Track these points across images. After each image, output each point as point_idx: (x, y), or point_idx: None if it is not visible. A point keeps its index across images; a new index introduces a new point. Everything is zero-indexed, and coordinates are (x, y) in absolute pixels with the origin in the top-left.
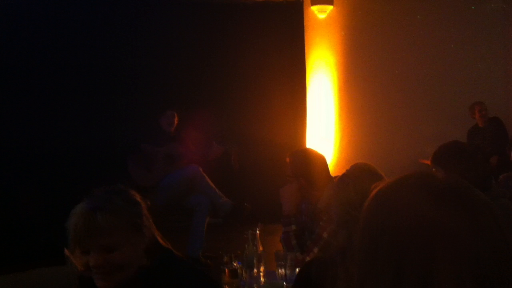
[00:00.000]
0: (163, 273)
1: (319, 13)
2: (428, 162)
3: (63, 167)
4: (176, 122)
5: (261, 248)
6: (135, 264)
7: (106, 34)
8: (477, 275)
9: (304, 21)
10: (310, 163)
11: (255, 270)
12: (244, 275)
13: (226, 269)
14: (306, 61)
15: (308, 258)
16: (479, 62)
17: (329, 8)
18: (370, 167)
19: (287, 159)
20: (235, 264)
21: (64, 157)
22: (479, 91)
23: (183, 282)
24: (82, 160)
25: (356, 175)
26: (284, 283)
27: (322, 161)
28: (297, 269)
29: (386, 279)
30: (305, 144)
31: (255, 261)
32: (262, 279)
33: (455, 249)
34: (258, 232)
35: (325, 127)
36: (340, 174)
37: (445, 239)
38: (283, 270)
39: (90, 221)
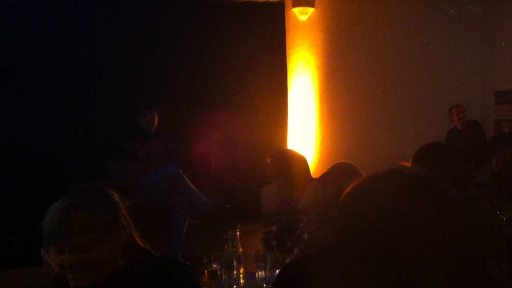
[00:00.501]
0: (140, 274)
1: (300, 15)
2: (407, 163)
3: (40, 166)
4: (156, 122)
5: (240, 249)
6: (111, 264)
7: (88, 34)
8: (441, 264)
9: (286, 23)
10: (291, 164)
11: (235, 271)
12: (223, 277)
13: (205, 270)
14: (287, 63)
15: (288, 259)
16: (457, 64)
17: (310, 10)
18: (351, 166)
19: (268, 160)
20: (214, 265)
21: (41, 156)
22: (457, 94)
23: (160, 282)
24: (60, 159)
25: (335, 175)
26: (264, 285)
27: (303, 162)
28: (277, 271)
29: (354, 267)
30: (286, 145)
31: (234, 262)
32: (241, 280)
33: (419, 238)
34: (238, 233)
35: (306, 128)
36: (320, 175)
37: (410, 228)
38: (263, 271)
39: (65, 219)
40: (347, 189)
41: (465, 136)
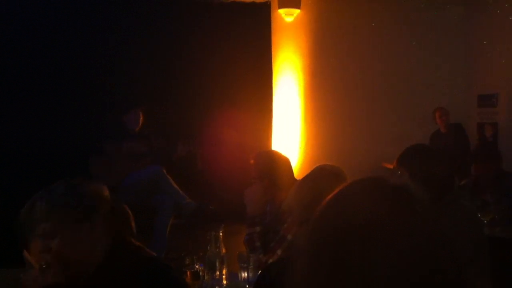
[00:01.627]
0: (125, 271)
1: (286, 16)
2: (390, 166)
3: (22, 165)
4: (140, 121)
5: (224, 250)
6: (87, 258)
7: (73, 33)
8: (403, 269)
9: (272, 24)
10: (275, 164)
11: (217, 272)
12: (206, 277)
13: (188, 271)
14: (272, 63)
15: (271, 260)
16: (441, 67)
17: (296, 11)
18: (334, 168)
19: (252, 161)
20: (197, 266)
21: (23, 155)
22: (441, 96)
23: (147, 280)
24: (42, 158)
25: (316, 176)
26: (247, 285)
27: (287, 162)
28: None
29: (324, 269)
30: (271, 146)
31: (217, 263)
32: (224, 281)
33: (388, 248)
34: (221, 233)
35: (290, 129)
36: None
37: (380, 237)
38: (246, 272)
39: (30, 211)
40: (328, 197)
41: (449, 139)
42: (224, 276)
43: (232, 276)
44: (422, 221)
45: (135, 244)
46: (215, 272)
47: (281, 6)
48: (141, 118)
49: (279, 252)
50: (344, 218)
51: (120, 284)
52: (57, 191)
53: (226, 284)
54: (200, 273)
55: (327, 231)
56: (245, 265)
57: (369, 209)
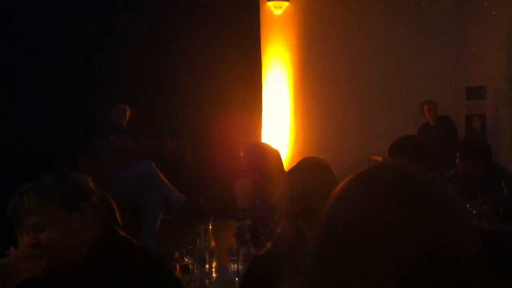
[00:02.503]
0: (113, 260)
1: (275, 9)
2: (379, 158)
3: (7, 161)
4: (128, 115)
5: (213, 243)
6: (77, 249)
7: (55, 28)
8: (400, 273)
9: (260, 17)
10: (265, 157)
11: (207, 265)
12: (195, 271)
13: (177, 265)
14: (262, 57)
15: (261, 253)
16: (429, 60)
17: (285, 4)
18: (319, 160)
19: (241, 153)
20: (186, 260)
21: (9, 152)
22: (429, 89)
23: (136, 269)
24: (29, 154)
25: (301, 167)
26: (236, 278)
27: (277, 155)
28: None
29: (325, 264)
30: (260, 139)
31: (207, 256)
32: (214, 274)
33: (386, 241)
34: (210, 227)
35: (280, 123)
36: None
37: (381, 228)
38: (236, 265)
39: (18, 202)
40: (340, 186)
41: (437, 131)
42: (213, 269)
43: (221, 269)
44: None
45: (122, 234)
46: (205, 266)
47: None
48: (128, 111)
49: (268, 245)
50: (361, 214)
51: (107, 273)
52: (46, 182)
53: (216, 277)
54: (190, 267)
55: (338, 222)
56: (235, 258)
57: (389, 206)
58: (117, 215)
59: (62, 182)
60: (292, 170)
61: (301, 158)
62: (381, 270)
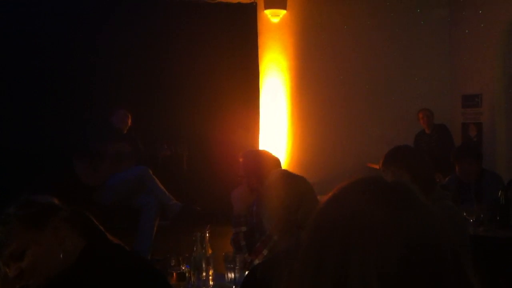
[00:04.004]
0: (101, 268)
1: (272, 17)
2: (376, 166)
3: (6, 164)
4: (129, 122)
5: (210, 251)
6: (56, 263)
7: (53, 32)
8: (382, 274)
9: (258, 24)
10: (263, 164)
11: (204, 273)
12: (192, 278)
13: (174, 272)
14: (259, 64)
15: (257, 260)
16: (425, 67)
17: (282, 12)
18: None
19: (240, 159)
20: (183, 267)
21: (8, 155)
22: (425, 97)
23: (125, 274)
24: (28, 157)
25: (295, 179)
26: (233, 286)
27: (276, 163)
28: (246, 272)
29: (309, 270)
30: (258, 146)
31: (203, 264)
32: (210, 282)
33: (367, 243)
34: (207, 234)
35: (277, 129)
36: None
37: (360, 233)
38: (232, 273)
39: None
40: (327, 196)
41: (433, 140)
42: (210, 277)
43: (218, 277)
44: (421, 222)
45: (112, 242)
46: (201, 273)
47: (267, 7)
48: (129, 118)
49: (264, 252)
50: (342, 218)
51: (97, 281)
52: (9, 212)
53: (213, 285)
54: (186, 274)
55: (326, 231)
56: (231, 265)
57: (367, 209)
58: (98, 225)
59: (24, 206)
60: (285, 181)
61: (297, 164)
62: (363, 270)
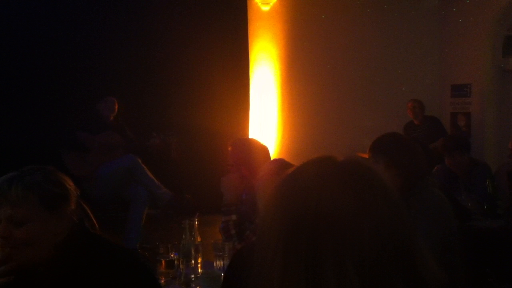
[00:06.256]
0: (82, 257)
1: (263, 5)
2: (365, 155)
3: None
4: (116, 109)
5: (199, 239)
6: (45, 245)
7: (40, 20)
8: (357, 260)
9: (248, 13)
10: (252, 152)
11: (193, 261)
12: (181, 266)
13: (162, 260)
14: (249, 52)
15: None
16: (415, 57)
17: (273, 0)
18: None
19: (229, 148)
20: (171, 255)
21: None
22: (415, 87)
23: (109, 265)
24: (12, 147)
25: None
26: (222, 274)
27: (265, 151)
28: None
29: (276, 265)
30: (247, 135)
31: (192, 252)
32: (199, 269)
33: (336, 232)
34: (196, 222)
35: (267, 118)
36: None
37: (327, 221)
38: (221, 261)
39: (4, 190)
40: (279, 179)
41: (423, 131)
42: (199, 265)
43: (207, 264)
44: (382, 203)
45: (96, 233)
46: (190, 261)
47: None
48: (116, 105)
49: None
50: (294, 204)
51: (77, 273)
52: (36, 177)
53: (202, 273)
54: (175, 262)
55: (278, 218)
56: (221, 253)
57: (331, 197)
58: (92, 219)
59: (50, 180)
60: (281, 171)
61: (287, 153)
62: (337, 258)
